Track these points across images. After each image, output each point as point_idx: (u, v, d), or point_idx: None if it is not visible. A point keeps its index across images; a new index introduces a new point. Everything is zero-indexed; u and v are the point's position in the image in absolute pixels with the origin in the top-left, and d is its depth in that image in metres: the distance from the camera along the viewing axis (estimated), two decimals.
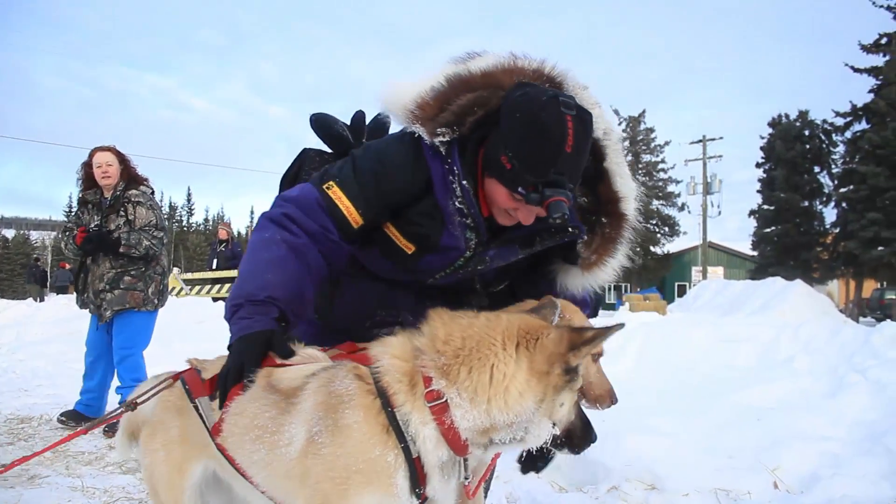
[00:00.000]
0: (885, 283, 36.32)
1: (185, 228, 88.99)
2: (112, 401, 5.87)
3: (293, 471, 1.68)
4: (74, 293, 5.85)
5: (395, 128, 2.75)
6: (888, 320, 7.17)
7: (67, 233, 5.69)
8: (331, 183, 2.13)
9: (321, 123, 2.69)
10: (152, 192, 5.86)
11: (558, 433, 1.72)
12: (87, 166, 5.69)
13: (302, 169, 2.65)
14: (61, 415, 5.63)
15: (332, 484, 1.60)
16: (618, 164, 2.26)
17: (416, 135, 2.12)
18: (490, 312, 1.79)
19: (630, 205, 2.29)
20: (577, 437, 1.80)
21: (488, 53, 2.27)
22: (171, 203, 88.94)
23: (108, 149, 5.70)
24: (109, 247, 5.46)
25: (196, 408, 1.97)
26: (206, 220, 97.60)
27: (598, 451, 3.62)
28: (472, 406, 1.60)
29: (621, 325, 1.68)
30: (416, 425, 1.61)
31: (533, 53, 2.26)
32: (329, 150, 2.71)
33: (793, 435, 4.11)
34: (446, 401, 1.61)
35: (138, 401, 2.07)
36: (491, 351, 1.63)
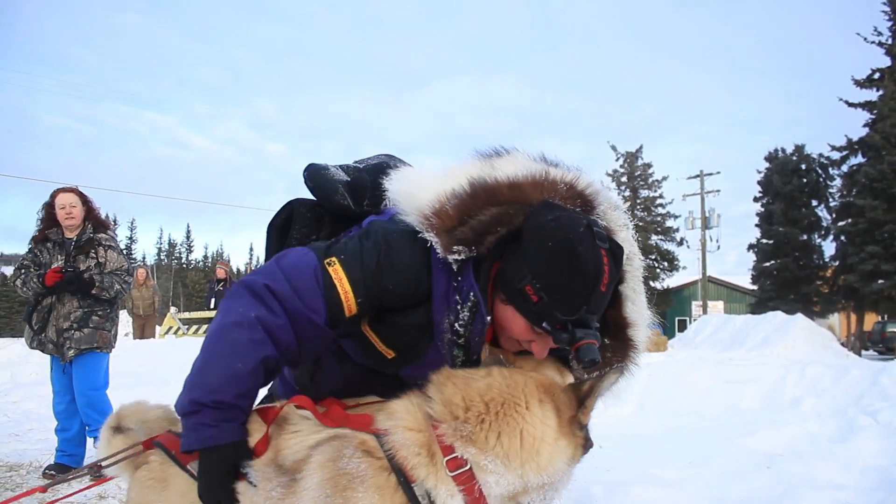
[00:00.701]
0: (886, 315, 36.19)
1: (184, 266, 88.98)
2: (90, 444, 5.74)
3: None
4: (26, 331, 5.63)
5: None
6: (892, 355, 7.08)
7: (24, 271, 5.51)
8: (333, 259, 1.90)
9: (321, 192, 2.45)
10: (117, 238, 5.87)
11: None
12: (50, 206, 5.60)
13: (293, 226, 2.43)
14: (47, 468, 5.49)
15: None
16: (634, 290, 2.07)
17: (429, 242, 1.91)
18: (500, 370, 1.69)
19: (640, 334, 2.10)
20: None
21: (518, 153, 2.06)
22: (170, 240, 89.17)
23: (71, 190, 5.67)
24: (85, 287, 5.39)
25: (189, 472, 1.81)
26: (206, 257, 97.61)
27: (604, 502, 3.52)
28: (506, 471, 1.52)
29: (620, 369, 1.61)
30: (443, 498, 1.50)
31: (565, 161, 2.05)
32: (320, 203, 2.49)
33: (803, 483, 4.00)
34: (471, 468, 1.51)
35: (103, 464, 1.91)
36: (518, 413, 1.56)
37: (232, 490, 1.72)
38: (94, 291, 5.42)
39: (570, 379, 1.88)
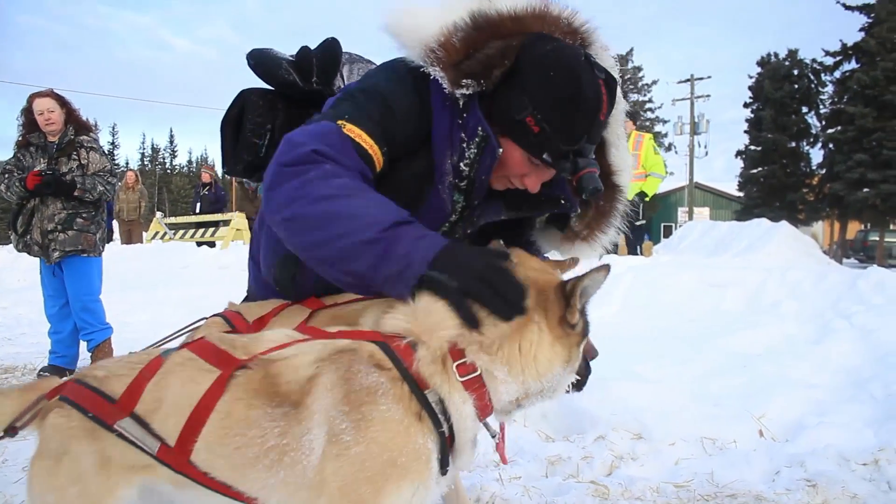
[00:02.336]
0: (868, 224, 36.57)
1: (168, 171, 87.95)
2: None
3: (313, 479, 1.44)
4: (11, 234, 5.67)
5: (361, 71, 2.46)
6: (872, 263, 7.20)
7: (7, 175, 5.50)
8: (342, 122, 1.77)
9: (263, 69, 2.36)
10: (98, 140, 5.80)
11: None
12: (28, 111, 5.54)
13: (245, 116, 2.32)
14: (41, 370, 5.60)
15: (364, 484, 1.41)
16: (617, 135, 2.09)
17: (421, 76, 1.84)
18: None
19: (625, 177, 2.13)
20: (583, 374, 1.81)
21: None
22: (153, 145, 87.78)
23: (47, 94, 5.58)
24: (65, 190, 5.36)
25: (122, 435, 1.50)
26: (190, 162, 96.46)
27: (585, 399, 3.62)
28: (511, 378, 1.51)
29: (606, 267, 1.55)
30: (456, 405, 1.48)
31: None
32: (271, 89, 2.40)
33: (778, 382, 4.13)
34: (480, 374, 1.50)
35: (18, 425, 1.56)
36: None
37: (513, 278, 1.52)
38: (76, 193, 5.39)
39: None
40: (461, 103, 1.84)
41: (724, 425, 3.53)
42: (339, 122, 1.76)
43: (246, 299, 2.49)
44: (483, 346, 1.50)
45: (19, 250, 5.68)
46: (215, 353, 1.56)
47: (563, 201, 2.05)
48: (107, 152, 5.81)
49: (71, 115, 5.62)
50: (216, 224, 16.51)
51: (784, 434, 3.52)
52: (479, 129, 1.83)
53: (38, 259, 5.65)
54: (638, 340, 5.24)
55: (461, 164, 1.89)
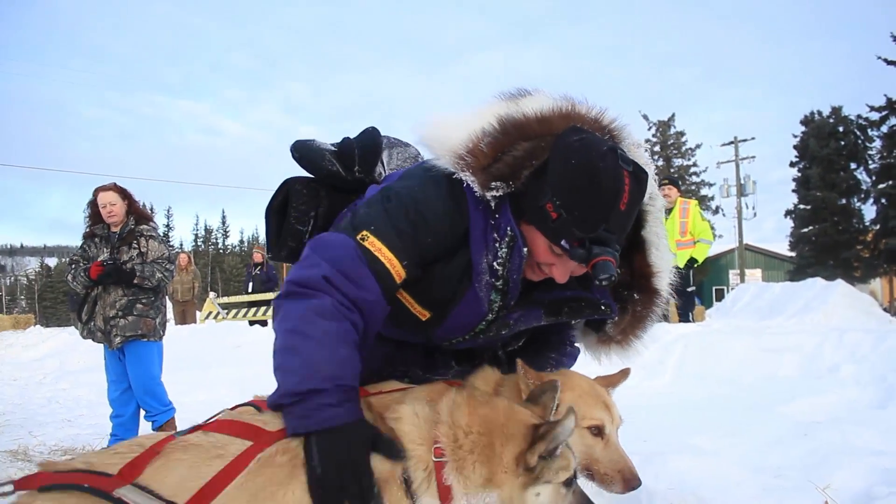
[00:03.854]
0: None
1: (220, 251, 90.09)
2: (144, 428, 5.94)
3: None
4: (77, 323, 5.95)
5: (400, 155, 2.60)
6: None
7: (75, 266, 5.80)
8: (365, 233, 1.87)
9: (308, 160, 2.47)
10: (157, 228, 6.07)
11: None
12: (93, 204, 5.87)
13: (290, 204, 2.43)
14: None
15: None
16: (657, 234, 2.11)
17: (457, 180, 1.92)
18: (506, 401, 1.84)
19: (664, 280, 2.13)
20: None
21: (540, 92, 2.08)
22: (206, 226, 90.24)
23: (110, 188, 5.87)
24: (125, 278, 5.60)
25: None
26: (242, 241, 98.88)
27: (642, 473, 3.55)
28: (472, 500, 1.68)
29: (571, 410, 1.66)
30: None
31: (592, 99, 2.06)
32: (314, 177, 2.52)
33: (842, 450, 3.97)
34: (453, 494, 1.67)
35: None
36: (494, 451, 1.69)
37: (369, 483, 1.58)
38: (135, 280, 5.61)
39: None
40: (493, 204, 1.89)
41: (787, 498, 3.41)
42: (364, 232, 1.87)
43: None
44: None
45: (84, 337, 5.92)
46: (244, 427, 1.68)
47: (602, 307, 2.07)
48: (165, 238, 6.05)
49: (132, 206, 5.90)
50: (268, 303, 16.77)
51: None
52: (509, 229, 1.89)
53: (102, 344, 5.84)
54: (693, 410, 5.13)
55: (495, 264, 1.94)
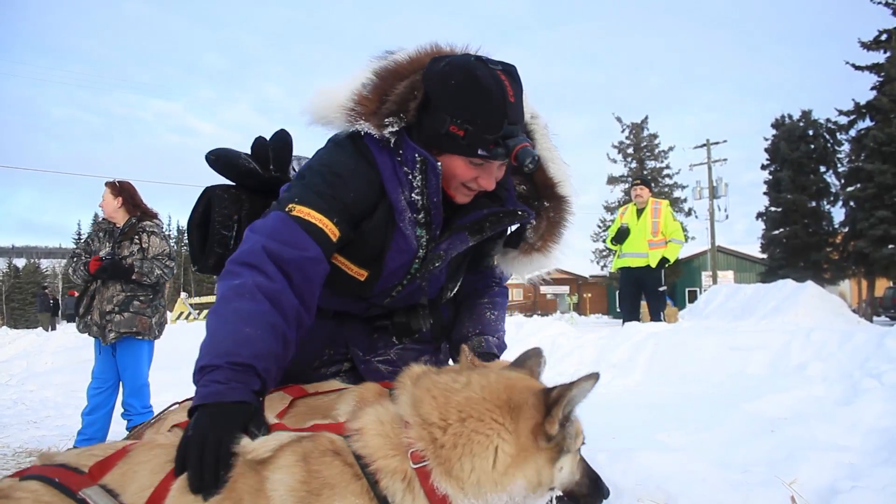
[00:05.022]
0: None
1: None
2: (116, 429, 5.85)
3: None
4: (77, 317, 5.95)
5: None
6: None
7: (76, 259, 5.85)
8: (291, 205, 1.97)
9: (223, 162, 2.51)
10: (162, 226, 6.09)
11: (561, 495, 1.62)
12: None
13: (212, 209, 2.44)
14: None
15: None
16: (548, 149, 2.25)
17: (356, 134, 2.07)
18: (478, 376, 1.60)
19: (568, 187, 2.28)
20: (585, 495, 1.65)
21: (405, 48, 2.23)
22: (178, 227, 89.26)
23: (109, 183, 5.92)
24: (123, 274, 5.59)
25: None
26: None
27: (608, 470, 3.56)
28: (477, 499, 1.46)
29: (595, 375, 1.50)
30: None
31: (456, 41, 2.23)
32: (233, 183, 2.55)
33: (808, 446, 4.02)
34: (445, 496, 1.46)
35: None
36: (493, 430, 1.49)
37: (224, 461, 1.51)
38: (133, 277, 5.60)
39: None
40: (393, 142, 2.03)
41: (754, 493, 3.44)
42: (290, 205, 1.96)
43: None
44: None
45: (80, 331, 5.89)
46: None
47: (520, 213, 2.20)
48: (167, 235, 6.08)
49: (129, 202, 5.88)
50: None
51: (817, 500, 3.41)
52: (416, 155, 2.02)
53: (92, 341, 5.86)
54: (661, 408, 5.16)
55: (413, 196, 2.06)
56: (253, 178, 2.50)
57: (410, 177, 2.04)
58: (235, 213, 2.45)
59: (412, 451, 1.48)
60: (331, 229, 1.97)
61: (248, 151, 2.59)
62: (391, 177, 2.06)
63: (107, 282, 5.68)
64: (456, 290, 2.50)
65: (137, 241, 5.76)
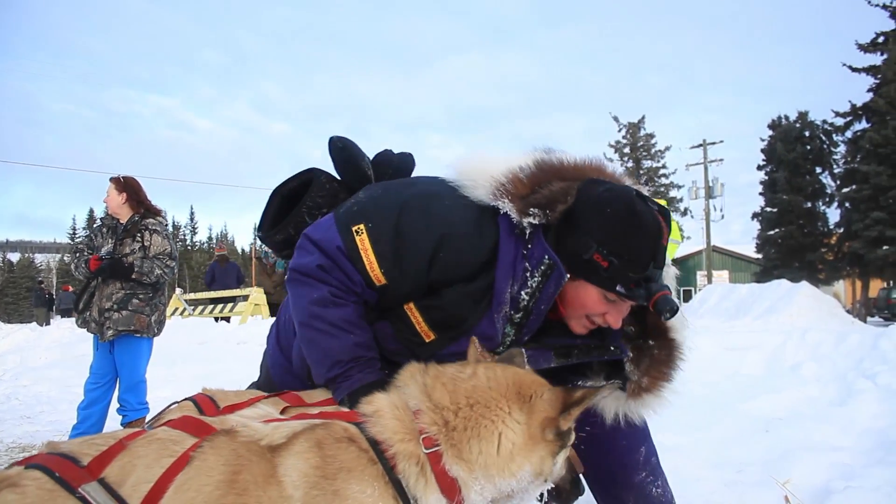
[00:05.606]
0: (891, 282, 36.11)
1: (188, 248, 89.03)
2: (111, 425, 5.84)
3: None
4: (75, 312, 5.90)
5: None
6: None
7: (78, 254, 5.78)
8: (360, 227, 1.95)
9: (346, 156, 2.40)
10: (166, 224, 6.03)
11: (549, 488, 1.67)
12: None
13: (308, 191, 2.37)
14: None
15: None
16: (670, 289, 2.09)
17: (488, 209, 1.96)
18: (485, 368, 1.66)
19: (681, 334, 2.14)
20: (566, 490, 1.77)
21: (567, 152, 2.15)
22: (174, 222, 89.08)
23: (113, 179, 5.87)
24: (122, 273, 5.55)
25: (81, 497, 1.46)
26: (210, 238, 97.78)
27: None
28: (486, 482, 1.53)
29: (616, 383, 1.58)
30: None
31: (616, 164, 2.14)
32: (340, 178, 2.44)
33: (802, 446, 4.04)
34: (458, 483, 1.52)
35: None
36: (498, 416, 1.55)
37: None
38: (133, 276, 5.55)
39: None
40: (527, 234, 1.92)
41: (748, 492, 3.45)
42: (360, 225, 1.94)
43: (255, 384, 2.54)
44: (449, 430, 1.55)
45: (79, 326, 5.84)
46: (196, 424, 1.62)
47: (612, 348, 2.09)
48: (170, 234, 6.02)
49: (133, 199, 5.82)
50: (234, 299, 16.58)
51: (811, 500, 3.42)
52: (546, 257, 1.90)
53: (89, 337, 5.82)
54: None
55: (522, 293, 1.94)
56: (363, 185, 2.34)
57: (528, 274, 1.93)
58: (326, 207, 2.35)
59: (424, 436, 1.53)
60: (376, 275, 1.95)
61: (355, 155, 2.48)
62: (508, 264, 1.94)
63: (107, 279, 5.64)
64: None
65: (139, 239, 5.70)
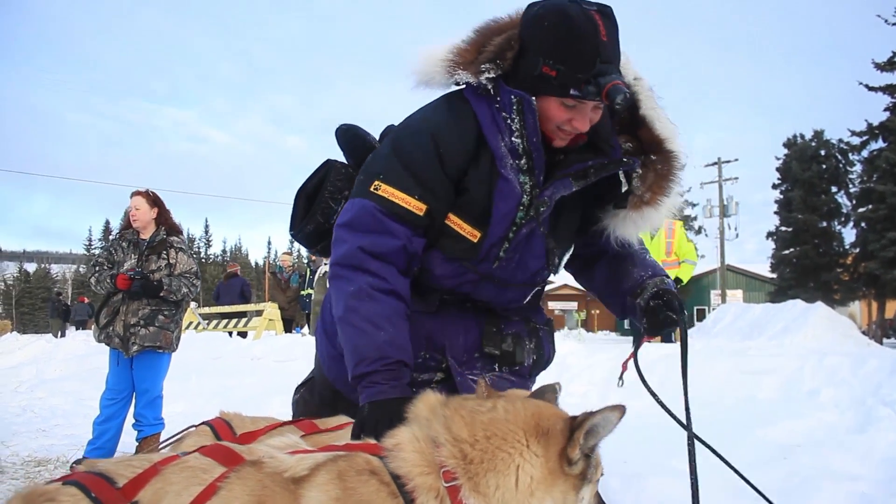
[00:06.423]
0: None
1: (203, 260, 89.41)
2: (126, 440, 5.87)
3: None
4: (94, 326, 5.92)
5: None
6: None
7: (99, 269, 5.78)
8: (377, 183, 2.09)
9: (351, 135, 2.60)
10: (188, 243, 6.16)
11: None
12: (129, 208, 5.90)
13: (326, 180, 2.55)
14: (74, 462, 5.62)
15: None
16: (653, 109, 2.25)
17: (454, 94, 2.17)
18: (504, 402, 1.65)
19: (676, 144, 2.27)
20: None
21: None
22: (189, 235, 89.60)
23: (141, 193, 5.89)
24: (153, 292, 5.59)
25: None
26: (224, 251, 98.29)
27: (620, 496, 3.55)
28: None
29: (621, 407, 1.54)
30: None
31: None
32: (353, 164, 2.62)
33: (821, 474, 3.99)
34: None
35: None
36: (516, 450, 1.52)
37: None
38: (161, 294, 5.60)
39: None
40: (491, 89, 2.08)
41: None
42: (375, 183, 2.08)
43: (309, 379, 2.69)
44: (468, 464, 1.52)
45: (99, 341, 5.83)
46: (227, 453, 1.62)
47: (625, 160, 2.21)
48: (194, 252, 6.10)
49: (161, 215, 5.89)
50: (248, 314, 16.61)
51: None
52: (512, 97, 2.05)
53: (105, 349, 5.82)
54: (673, 432, 5.10)
55: (513, 139, 2.09)
56: None
57: (509, 121, 2.07)
58: (346, 190, 2.49)
59: (444, 469, 1.51)
60: (415, 206, 2.07)
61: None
62: (490, 124, 2.10)
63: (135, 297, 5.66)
64: (560, 267, 2.51)
65: (165, 257, 5.75)
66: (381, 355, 1.98)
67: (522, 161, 2.11)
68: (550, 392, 1.84)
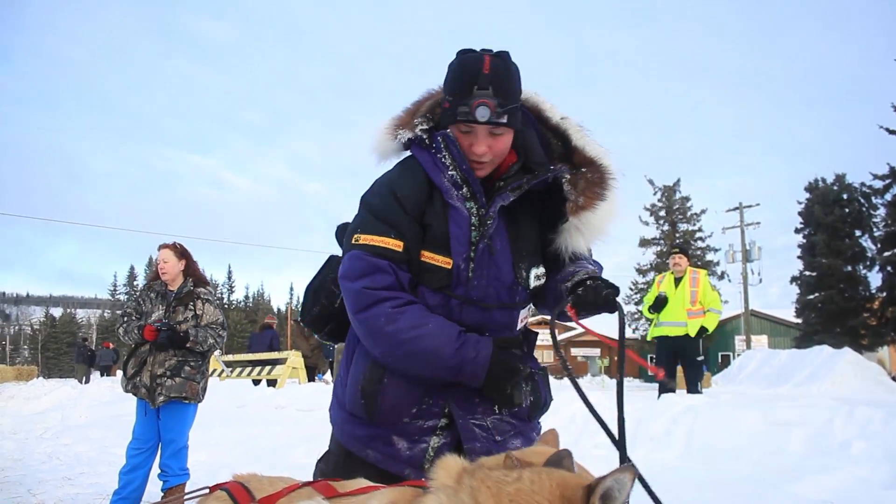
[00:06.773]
0: None
1: (225, 306, 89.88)
2: (151, 489, 5.87)
3: None
4: (121, 374, 5.96)
5: None
6: None
7: (127, 319, 5.88)
8: (357, 235, 2.35)
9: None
10: (215, 294, 6.16)
11: None
12: (157, 260, 6.03)
13: (328, 268, 2.76)
14: None
15: None
16: (582, 138, 2.51)
17: (408, 159, 2.46)
18: (530, 473, 1.63)
19: (606, 160, 2.48)
20: None
21: None
22: (211, 280, 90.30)
23: (170, 246, 6.00)
24: (180, 343, 5.65)
25: None
26: (247, 297, 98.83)
27: None
28: None
29: (631, 468, 1.54)
30: None
31: None
32: None
33: None
34: None
35: None
36: None
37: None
38: (187, 345, 5.66)
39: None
40: (426, 139, 2.39)
41: None
42: (355, 236, 2.34)
43: (326, 452, 2.72)
44: None
45: (126, 391, 5.87)
46: None
47: (552, 168, 2.45)
48: (221, 304, 6.20)
49: (189, 268, 5.98)
50: (273, 362, 16.64)
51: None
52: (439, 138, 2.35)
53: (131, 398, 5.84)
54: (702, 486, 5.06)
55: (450, 172, 2.36)
56: None
57: (443, 158, 2.35)
58: None
59: None
60: (393, 244, 2.31)
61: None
62: (432, 167, 2.38)
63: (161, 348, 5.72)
64: (534, 281, 2.61)
65: (192, 308, 5.82)
66: (451, 334, 2.23)
67: (464, 190, 2.37)
68: (567, 458, 1.85)
